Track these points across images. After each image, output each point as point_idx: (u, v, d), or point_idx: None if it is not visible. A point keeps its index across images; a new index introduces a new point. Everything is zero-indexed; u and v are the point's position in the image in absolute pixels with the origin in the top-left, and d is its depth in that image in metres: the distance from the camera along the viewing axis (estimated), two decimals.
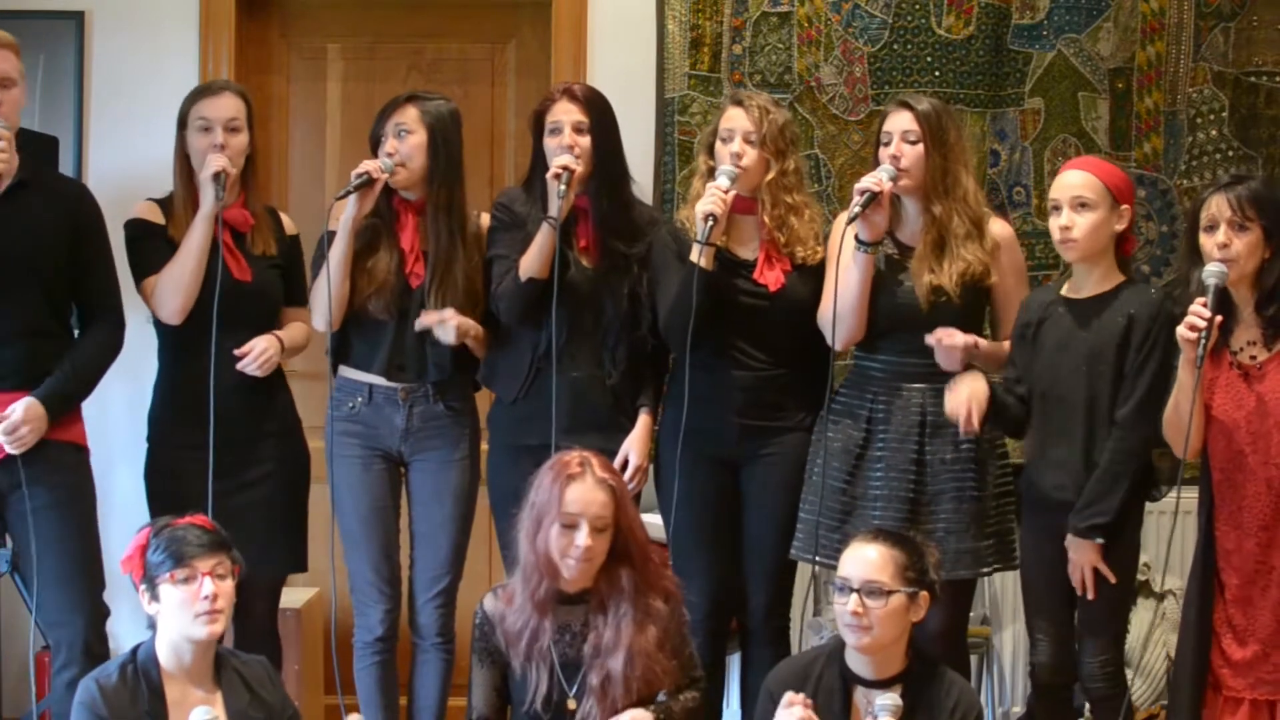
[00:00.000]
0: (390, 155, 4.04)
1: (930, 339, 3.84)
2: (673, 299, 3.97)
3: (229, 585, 3.29)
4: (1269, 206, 3.60)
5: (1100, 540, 3.71)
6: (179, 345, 4.05)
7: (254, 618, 4.02)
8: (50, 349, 3.85)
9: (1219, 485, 3.67)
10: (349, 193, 3.98)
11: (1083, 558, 3.74)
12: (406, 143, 4.07)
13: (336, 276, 4.01)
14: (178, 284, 3.97)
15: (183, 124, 4.05)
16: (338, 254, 4.01)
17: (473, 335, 4.08)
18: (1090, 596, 3.76)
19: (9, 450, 3.74)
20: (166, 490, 4.02)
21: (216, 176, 3.93)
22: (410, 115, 4.09)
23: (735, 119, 4.01)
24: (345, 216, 4.01)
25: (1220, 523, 3.67)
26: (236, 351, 4.00)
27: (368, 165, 4.01)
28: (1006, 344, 3.98)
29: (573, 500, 3.38)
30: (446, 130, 4.11)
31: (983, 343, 3.92)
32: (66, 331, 3.95)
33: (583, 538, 3.36)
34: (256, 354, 4.02)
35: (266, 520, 4.04)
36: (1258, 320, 3.63)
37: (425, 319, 4.03)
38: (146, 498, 4.09)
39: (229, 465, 3.98)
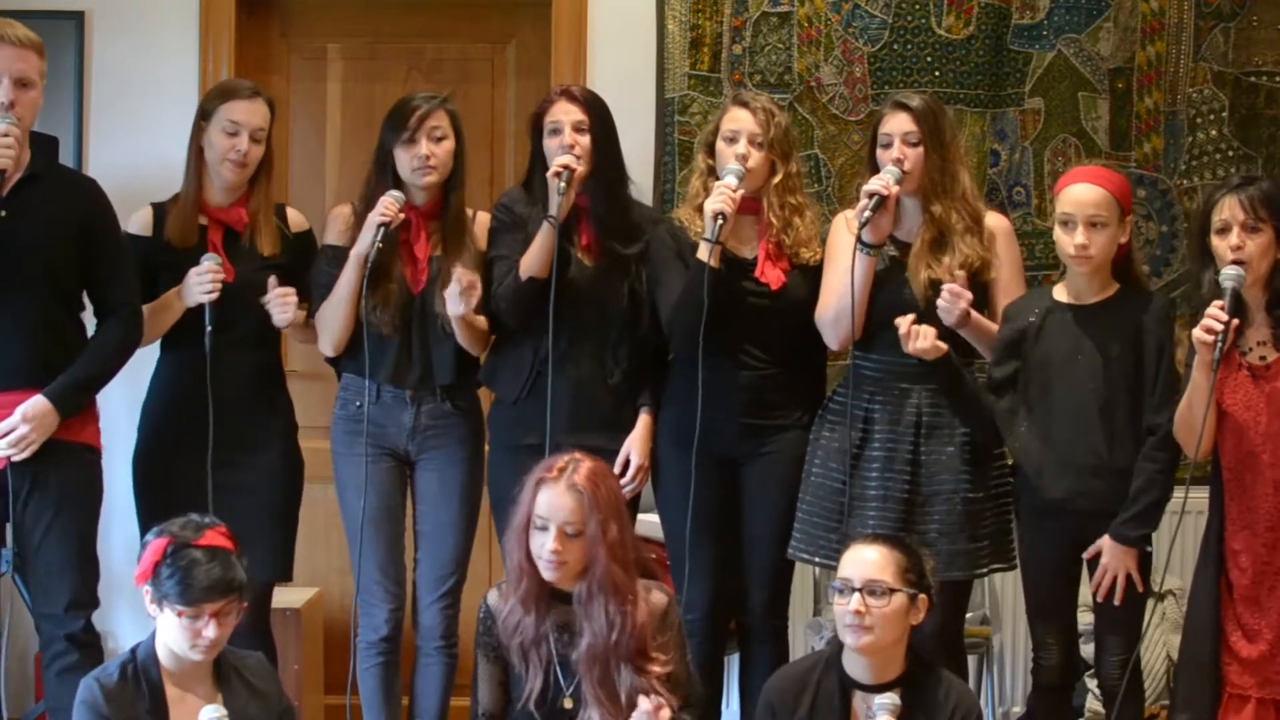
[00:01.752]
0: (428, 158, 4.03)
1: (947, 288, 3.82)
2: (679, 297, 3.97)
3: (232, 622, 3.28)
4: None
5: (1150, 549, 3.72)
6: (174, 343, 4.06)
7: (242, 623, 4.00)
8: (60, 346, 3.83)
9: (1229, 485, 3.67)
10: (380, 243, 3.96)
11: (1122, 564, 3.73)
12: (442, 147, 4.07)
13: (346, 310, 4.03)
14: (151, 332, 4.00)
15: (204, 116, 4.05)
16: (347, 289, 4.02)
17: (476, 318, 4.08)
18: (1117, 602, 3.75)
19: (11, 456, 3.73)
20: (152, 481, 4.04)
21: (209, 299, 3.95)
22: (445, 120, 4.09)
23: (741, 120, 4.00)
24: (358, 253, 4.00)
25: (1230, 522, 3.67)
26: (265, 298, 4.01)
27: (388, 213, 3.98)
28: (994, 326, 3.97)
29: (542, 504, 3.40)
30: (463, 133, 4.15)
31: (980, 318, 3.91)
32: (78, 328, 3.94)
33: (549, 541, 3.37)
34: (279, 292, 4.02)
35: (257, 525, 3.99)
36: (1268, 320, 3.63)
37: (454, 285, 3.98)
38: (133, 485, 4.09)
39: (222, 465, 3.97)
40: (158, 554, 3.25)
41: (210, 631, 3.21)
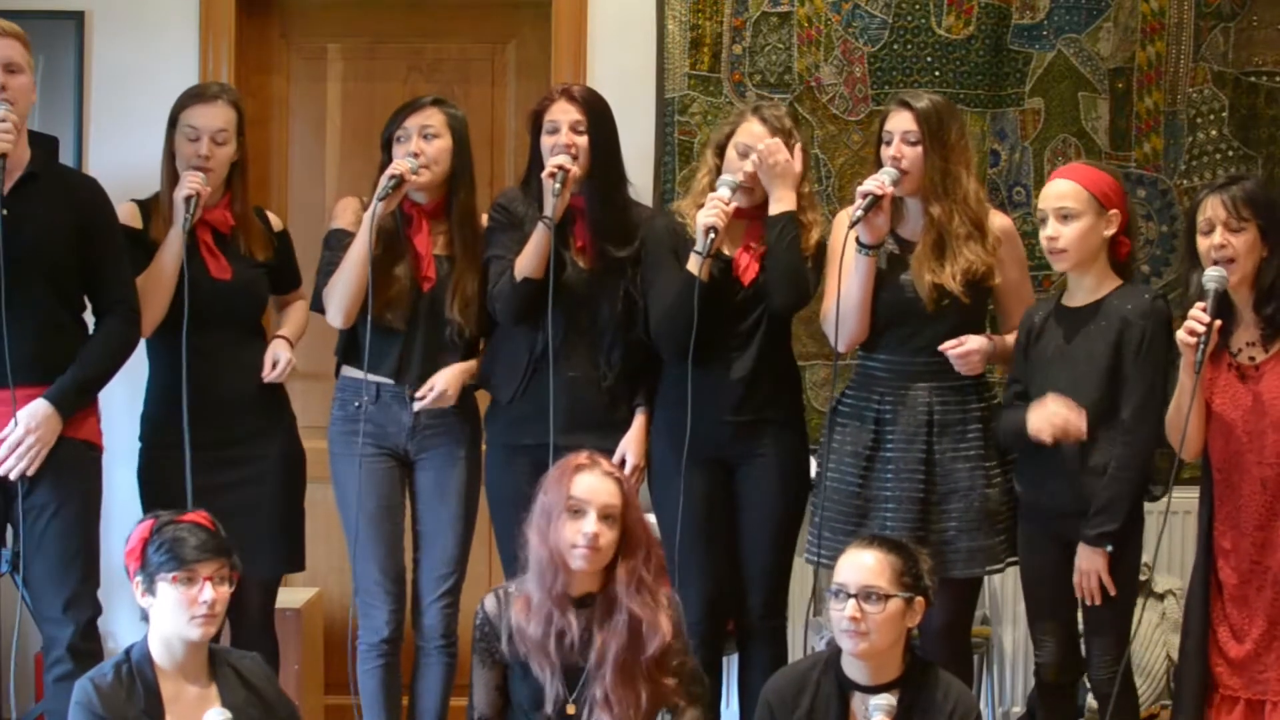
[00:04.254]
0: (416, 156, 4.04)
1: (944, 349, 3.86)
2: (667, 307, 3.96)
3: (226, 591, 3.29)
4: (1264, 206, 3.60)
5: (1110, 548, 3.70)
6: (169, 345, 4.04)
7: (249, 616, 4.02)
8: (64, 343, 3.84)
9: (1218, 484, 3.68)
10: (387, 195, 3.96)
11: (1091, 566, 3.72)
12: (433, 145, 4.08)
13: (359, 273, 4.01)
14: (146, 300, 3.98)
15: (173, 124, 4.06)
16: (361, 251, 4.00)
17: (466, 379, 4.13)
18: (1094, 603, 3.75)
19: (17, 468, 3.71)
20: (161, 489, 4.01)
21: (188, 200, 3.93)
22: (437, 119, 4.10)
23: (758, 137, 3.96)
24: (370, 214, 4.00)
25: (1218, 522, 3.68)
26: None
27: (399, 167, 4.00)
28: (1010, 338, 3.98)
29: (581, 487, 3.39)
30: (466, 136, 4.16)
31: (995, 339, 3.94)
32: (80, 325, 3.94)
33: (590, 524, 3.36)
34: (271, 364, 4.07)
35: (263, 519, 4.04)
36: (1256, 320, 3.63)
37: (424, 398, 4.05)
38: (141, 498, 4.09)
39: (225, 463, 3.98)
40: (145, 533, 3.28)
41: (207, 594, 3.21)
